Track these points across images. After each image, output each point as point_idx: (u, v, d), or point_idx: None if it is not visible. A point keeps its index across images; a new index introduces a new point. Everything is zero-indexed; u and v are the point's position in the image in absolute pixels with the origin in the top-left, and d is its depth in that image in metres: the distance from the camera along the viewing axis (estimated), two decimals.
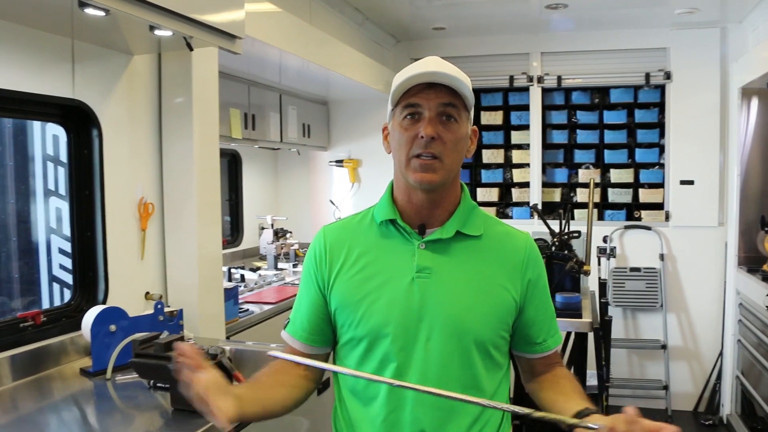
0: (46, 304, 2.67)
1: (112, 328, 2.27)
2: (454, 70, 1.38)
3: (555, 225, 3.44)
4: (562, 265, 3.20)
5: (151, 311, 2.45)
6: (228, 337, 2.95)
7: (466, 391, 1.38)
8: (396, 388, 1.37)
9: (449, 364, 1.38)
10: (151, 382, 2.08)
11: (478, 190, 5.40)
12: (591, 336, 3.20)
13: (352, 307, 1.43)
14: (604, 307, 3.53)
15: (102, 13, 1.95)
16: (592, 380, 3.52)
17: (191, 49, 2.47)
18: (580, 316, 3.02)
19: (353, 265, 1.45)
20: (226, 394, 1.25)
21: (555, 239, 3.34)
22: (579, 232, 3.39)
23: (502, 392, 1.47)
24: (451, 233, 1.43)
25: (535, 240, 3.46)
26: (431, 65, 1.38)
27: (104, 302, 2.50)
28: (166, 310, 2.48)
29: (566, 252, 3.27)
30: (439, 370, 1.38)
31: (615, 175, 5.16)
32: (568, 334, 3.35)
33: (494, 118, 5.35)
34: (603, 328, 3.39)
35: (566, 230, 3.41)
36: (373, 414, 1.41)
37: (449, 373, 1.38)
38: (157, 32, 2.19)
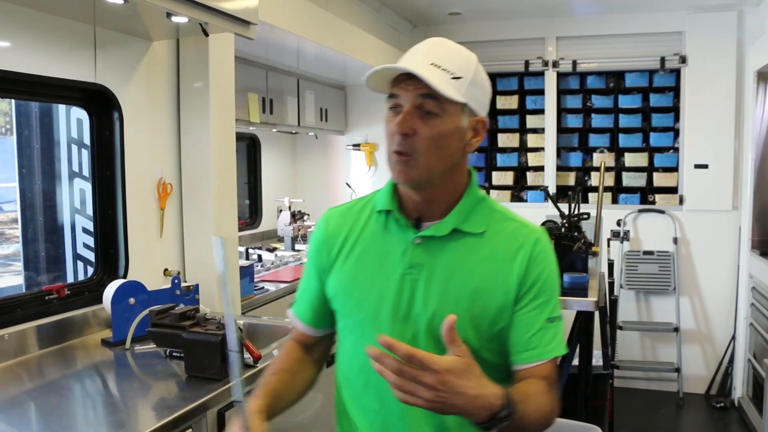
0: (70, 281, 2.77)
1: (132, 301, 2.39)
2: (442, 58, 1.26)
3: (566, 208, 3.49)
4: (570, 246, 3.26)
5: (169, 286, 2.56)
6: (244, 313, 3.06)
7: None
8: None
9: None
10: (167, 351, 2.20)
11: (493, 173, 5.45)
12: (597, 316, 3.25)
13: (345, 296, 1.40)
14: (610, 287, 3.57)
15: (121, 1, 2.06)
16: (598, 360, 3.57)
17: (207, 35, 2.56)
18: (586, 296, 3.08)
19: (349, 254, 1.40)
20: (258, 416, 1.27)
21: (564, 221, 3.40)
22: (588, 214, 3.44)
23: None
24: (447, 231, 1.32)
25: (546, 222, 3.56)
26: (420, 51, 1.28)
27: (124, 277, 2.61)
28: (183, 285, 2.59)
29: (575, 233, 3.33)
30: None
31: (629, 159, 5.17)
32: (576, 313, 3.41)
33: (509, 102, 5.38)
34: (608, 307, 3.44)
35: (576, 212, 3.46)
36: (365, 401, 1.39)
37: None
38: (174, 19, 2.28)
